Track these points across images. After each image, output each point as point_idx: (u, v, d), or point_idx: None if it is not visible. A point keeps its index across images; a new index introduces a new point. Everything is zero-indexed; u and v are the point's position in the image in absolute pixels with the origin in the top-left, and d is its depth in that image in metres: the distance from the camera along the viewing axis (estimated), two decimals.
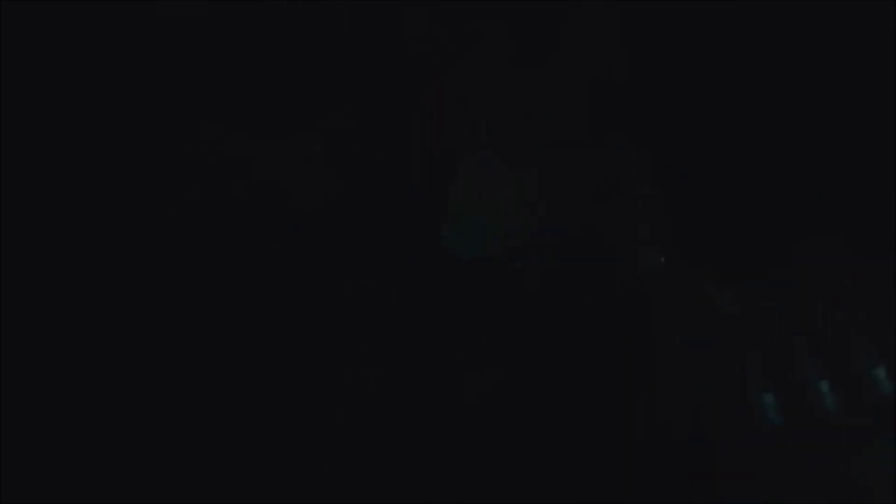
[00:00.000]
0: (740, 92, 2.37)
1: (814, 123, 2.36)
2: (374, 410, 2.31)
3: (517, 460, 2.29)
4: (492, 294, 2.36)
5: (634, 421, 2.29)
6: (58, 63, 2.35)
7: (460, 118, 2.38)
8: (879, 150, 2.34)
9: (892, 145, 2.33)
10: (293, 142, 2.38)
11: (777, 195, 2.35)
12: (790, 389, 2.27)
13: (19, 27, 2.33)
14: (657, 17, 2.38)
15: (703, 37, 2.39)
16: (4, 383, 2.27)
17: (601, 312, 2.34)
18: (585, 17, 2.39)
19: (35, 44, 2.34)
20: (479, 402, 2.31)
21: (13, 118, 2.34)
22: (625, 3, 2.38)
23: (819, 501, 2.23)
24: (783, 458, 2.24)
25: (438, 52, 2.36)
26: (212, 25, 2.36)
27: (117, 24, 2.35)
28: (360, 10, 2.37)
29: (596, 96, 2.39)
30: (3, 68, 2.33)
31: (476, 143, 2.39)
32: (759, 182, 2.35)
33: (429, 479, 2.28)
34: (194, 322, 2.33)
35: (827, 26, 2.35)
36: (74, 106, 2.37)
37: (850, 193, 2.34)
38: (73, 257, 2.33)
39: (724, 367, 2.30)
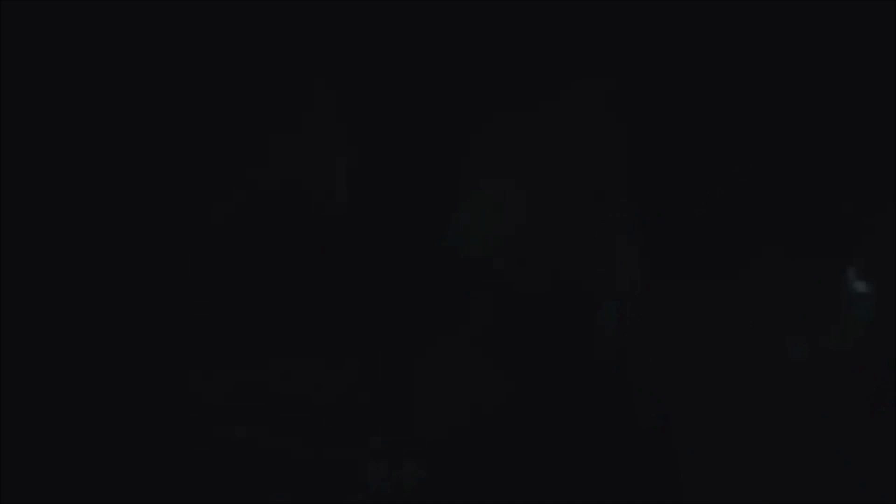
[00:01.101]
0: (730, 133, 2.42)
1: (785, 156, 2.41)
2: (373, 412, 2.33)
3: (515, 462, 2.30)
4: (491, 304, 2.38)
5: (615, 424, 2.32)
6: (76, 63, 2.35)
7: (472, 136, 2.41)
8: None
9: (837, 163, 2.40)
10: (317, 143, 2.39)
11: (746, 210, 2.40)
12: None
13: (26, 28, 2.33)
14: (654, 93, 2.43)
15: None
16: (4, 383, 2.27)
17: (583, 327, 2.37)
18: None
19: (48, 46, 2.34)
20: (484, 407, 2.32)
21: (19, 118, 2.33)
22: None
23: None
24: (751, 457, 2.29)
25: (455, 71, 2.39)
26: (234, 29, 2.37)
27: (126, 24, 2.35)
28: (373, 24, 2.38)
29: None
30: (10, 69, 2.33)
31: (484, 157, 2.41)
32: (733, 199, 2.40)
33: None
34: (203, 318, 2.34)
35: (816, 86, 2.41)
36: (86, 105, 2.37)
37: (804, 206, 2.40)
38: (84, 255, 2.33)
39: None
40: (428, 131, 2.40)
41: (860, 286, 2.35)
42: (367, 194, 2.38)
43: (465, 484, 2.28)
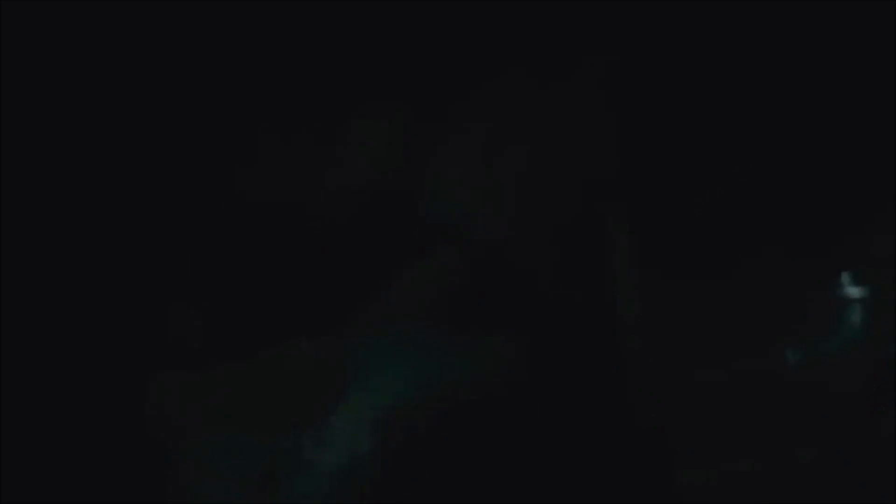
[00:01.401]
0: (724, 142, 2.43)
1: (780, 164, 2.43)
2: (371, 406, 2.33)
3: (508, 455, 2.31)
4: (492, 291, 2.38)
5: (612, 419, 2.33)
6: (79, 67, 2.35)
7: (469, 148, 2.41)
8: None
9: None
10: (313, 150, 2.39)
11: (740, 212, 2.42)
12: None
13: (21, 34, 2.33)
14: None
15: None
16: (4, 383, 2.27)
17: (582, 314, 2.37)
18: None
19: (74, 50, 2.34)
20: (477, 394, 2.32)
21: (11, 123, 2.34)
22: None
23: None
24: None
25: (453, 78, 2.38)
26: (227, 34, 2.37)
27: (129, 29, 2.35)
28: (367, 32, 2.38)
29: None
30: (6, 72, 2.33)
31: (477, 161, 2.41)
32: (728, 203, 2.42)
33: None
34: (202, 321, 2.34)
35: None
36: (88, 110, 2.37)
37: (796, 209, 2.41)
38: (84, 258, 2.34)
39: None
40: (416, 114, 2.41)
41: (859, 287, 2.36)
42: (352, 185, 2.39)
43: (461, 483, 2.28)
